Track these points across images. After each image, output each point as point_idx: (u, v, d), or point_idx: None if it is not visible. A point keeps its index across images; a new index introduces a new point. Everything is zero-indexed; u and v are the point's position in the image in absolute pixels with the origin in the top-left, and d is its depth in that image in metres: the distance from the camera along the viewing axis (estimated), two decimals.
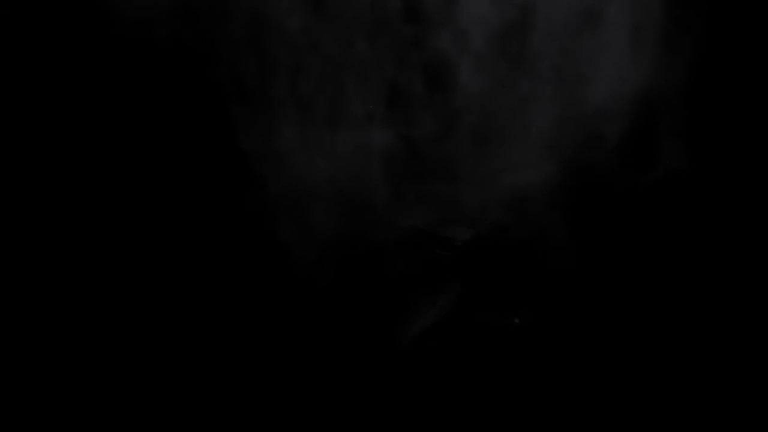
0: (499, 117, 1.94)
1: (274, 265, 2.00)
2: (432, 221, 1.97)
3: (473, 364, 1.94)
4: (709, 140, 1.86)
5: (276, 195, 1.97)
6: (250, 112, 1.99)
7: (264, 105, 1.98)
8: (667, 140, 1.88)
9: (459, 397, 1.92)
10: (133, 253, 2.01)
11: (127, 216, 2.03)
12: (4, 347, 1.97)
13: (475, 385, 1.93)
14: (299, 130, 1.97)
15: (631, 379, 1.93)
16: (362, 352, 1.98)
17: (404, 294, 2.00)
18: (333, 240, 1.97)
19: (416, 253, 1.99)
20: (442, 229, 1.98)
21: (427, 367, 1.94)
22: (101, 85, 2.04)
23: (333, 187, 1.96)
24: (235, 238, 2.01)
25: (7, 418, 1.93)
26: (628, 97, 1.88)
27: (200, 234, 2.02)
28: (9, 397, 1.94)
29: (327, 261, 1.98)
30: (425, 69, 1.95)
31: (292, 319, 1.99)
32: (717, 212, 1.87)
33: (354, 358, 1.98)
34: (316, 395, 1.94)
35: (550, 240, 1.92)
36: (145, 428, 1.95)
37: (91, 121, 2.05)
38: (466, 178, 1.95)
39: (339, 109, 1.96)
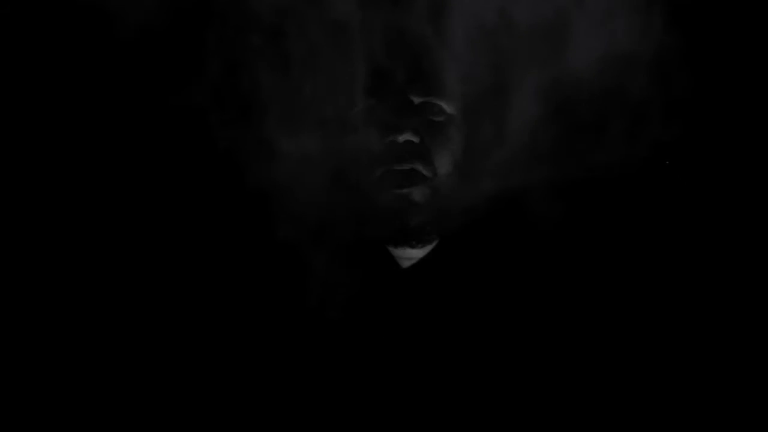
0: (488, 109, 1.88)
1: (267, 260, 1.98)
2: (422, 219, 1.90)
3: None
4: (708, 120, 1.79)
5: (262, 191, 1.95)
6: (238, 107, 1.97)
7: (250, 100, 1.96)
8: (665, 120, 1.80)
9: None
10: (125, 246, 2.02)
11: (126, 210, 2.05)
12: (4, 347, 2.00)
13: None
14: (286, 126, 1.94)
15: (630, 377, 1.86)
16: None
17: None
18: (324, 236, 1.93)
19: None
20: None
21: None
22: (100, 86, 2.06)
23: (319, 182, 1.92)
24: (222, 235, 2.00)
25: (7, 417, 1.97)
26: (622, 79, 1.80)
27: (192, 231, 2.02)
28: (9, 397, 1.98)
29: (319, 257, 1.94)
30: (411, 59, 1.89)
31: (288, 316, 1.97)
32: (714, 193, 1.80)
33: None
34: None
35: (543, 231, 1.85)
36: (143, 427, 1.95)
37: (91, 122, 2.07)
38: (455, 172, 1.89)
39: (324, 102, 1.92)
